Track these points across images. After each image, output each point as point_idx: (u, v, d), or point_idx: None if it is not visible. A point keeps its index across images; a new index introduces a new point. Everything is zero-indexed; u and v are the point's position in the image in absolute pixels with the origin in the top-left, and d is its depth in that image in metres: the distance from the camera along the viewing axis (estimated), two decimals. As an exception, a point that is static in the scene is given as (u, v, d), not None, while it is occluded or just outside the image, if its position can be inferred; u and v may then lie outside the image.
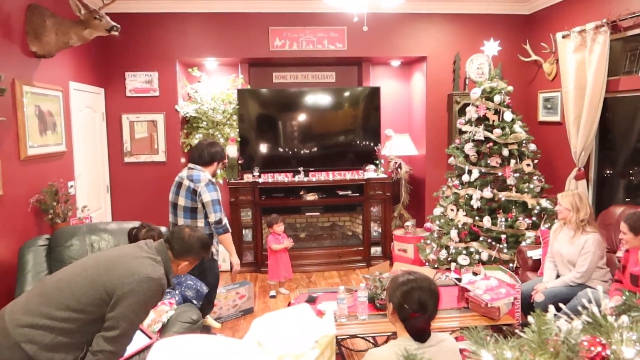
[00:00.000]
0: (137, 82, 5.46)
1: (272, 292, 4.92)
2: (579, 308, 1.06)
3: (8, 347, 1.97)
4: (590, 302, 1.24)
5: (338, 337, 3.32)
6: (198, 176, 3.60)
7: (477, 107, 4.74)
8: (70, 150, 4.46)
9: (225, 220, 3.57)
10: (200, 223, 3.59)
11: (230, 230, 3.64)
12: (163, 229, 3.50)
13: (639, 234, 2.98)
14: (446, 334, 2.07)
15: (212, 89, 5.73)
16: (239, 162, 5.73)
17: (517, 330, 1.00)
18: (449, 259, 4.73)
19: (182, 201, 3.59)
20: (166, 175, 5.52)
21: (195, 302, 3.39)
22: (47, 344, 1.98)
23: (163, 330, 2.98)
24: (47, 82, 4.02)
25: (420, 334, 1.89)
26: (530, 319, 0.99)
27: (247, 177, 5.65)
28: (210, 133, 5.58)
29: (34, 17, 3.68)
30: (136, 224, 3.38)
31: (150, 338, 2.87)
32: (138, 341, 2.82)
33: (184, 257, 2.34)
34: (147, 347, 2.80)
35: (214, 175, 3.76)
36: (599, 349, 0.98)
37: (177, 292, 3.37)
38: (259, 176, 5.66)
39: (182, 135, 5.66)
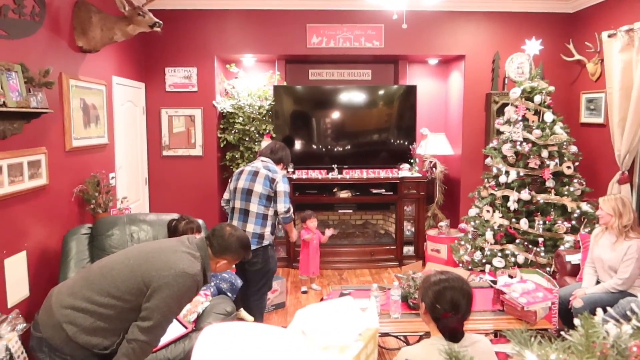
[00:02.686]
0: (177, 77, 5.57)
1: (304, 288, 4.96)
2: (628, 313, 1.03)
3: (51, 325, 2.06)
4: (633, 312, 1.20)
5: (370, 335, 3.31)
6: (274, 167, 3.80)
7: (516, 107, 4.65)
8: (111, 143, 4.59)
9: (291, 211, 3.78)
10: (271, 212, 3.73)
11: (294, 218, 3.95)
12: (201, 221, 3.57)
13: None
14: (481, 335, 2.05)
15: (249, 85, 5.79)
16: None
17: (562, 333, 0.98)
18: (484, 260, 4.66)
19: (259, 188, 3.69)
20: (202, 169, 5.64)
21: (229, 294, 3.45)
22: (86, 327, 2.05)
23: (198, 321, 3.05)
24: (91, 76, 4.14)
25: (454, 334, 1.88)
26: (576, 321, 0.97)
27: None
28: (246, 129, 5.64)
29: (81, 12, 3.80)
30: (175, 215, 3.46)
31: (185, 328, 2.93)
32: (174, 330, 2.90)
33: (223, 255, 2.35)
34: (183, 337, 2.87)
35: None
36: (649, 355, 0.95)
37: (212, 284, 3.43)
38: (293, 172, 5.69)
39: (218, 131, 5.74)
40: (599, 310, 1.02)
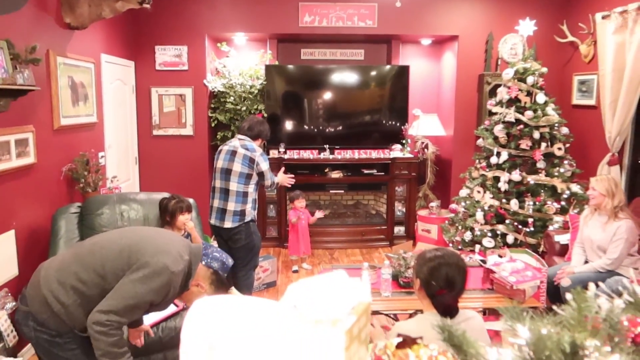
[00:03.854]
0: (167, 55, 5.49)
1: (295, 267, 4.98)
2: (620, 288, 1.04)
3: (38, 300, 2.03)
4: (624, 288, 1.21)
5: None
6: (252, 146, 3.78)
7: (509, 88, 4.64)
8: (101, 122, 4.53)
9: (275, 180, 3.91)
10: (251, 188, 3.78)
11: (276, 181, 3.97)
12: (191, 200, 3.55)
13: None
14: (473, 311, 2.06)
15: (240, 64, 5.72)
16: (265, 138, 5.74)
17: (554, 308, 0.99)
18: (474, 240, 4.69)
19: (237, 167, 3.72)
20: (193, 148, 5.59)
21: (220, 273, 3.44)
22: (69, 304, 2.01)
23: (189, 300, 3.05)
24: (79, 54, 4.07)
25: (448, 311, 1.89)
26: (568, 296, 0.98)
27: (273, 153, 5.67)
28: (237, 108, 5.59)
29: (68, -13, 3.71)
30: (166, 195, 3.43)
31: (176, 306, 2.94)
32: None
33: (211, 286, 2.29)
34: (174, 315, 2.87)
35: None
36: None
37: (203, 263, 3.42)
38: (285, 152, 5.67)
39: (209, 110, 5.68)
40: (591, 285, 1.03)
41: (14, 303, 2.85)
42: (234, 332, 0.74)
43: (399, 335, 0.88)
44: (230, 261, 3.57)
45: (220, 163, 3.79)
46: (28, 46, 3.12)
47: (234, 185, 3.72)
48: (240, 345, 0.73)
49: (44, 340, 2.08)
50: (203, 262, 3.43)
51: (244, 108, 5.62)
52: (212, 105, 5.73)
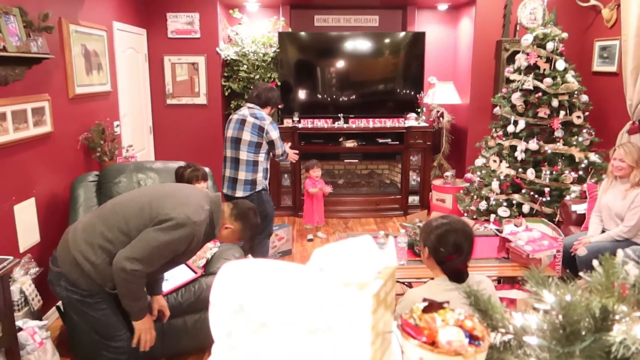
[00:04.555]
0: (179, 23, 5.43)
1: (310, 236, 5.01)
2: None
3: (68, 261, 2.12)
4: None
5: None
6: (261, 114, 3.75)
7: (527, 54, 4.53)
8: (115, 91, 4.52)
9: (285, 149, 3.91)
10: (261, 157, 3.78)
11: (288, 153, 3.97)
12: (207, 169, 3.56)
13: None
14: (483, 275, 2.07)
15: (253, 31, 5.64)
16: (279, 106, 5.70)
17: (581, 274, 0.98)
18: (489, 210, 4.67)
19: (247, 136, 3.71)
20: (207, 117, 5.58)
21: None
22: (98, 264, 2.09)
23: (207, 266, 3.09)
24: (91, 22, 4.03)
25: (459, 275, 1.90)
26: (595, 263, 0.97)
27: (287, 122, 5.64)
28: (250, 77, 5.54)
29: (79, -48, 3.65)
30: (181, 163, 3.45)
31: (195, 273, 2.98)
32: (183, 275, 2.95)
33: (238, 221, 2.26)
34: (192, 281, 2.92)
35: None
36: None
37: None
38: (299, 121, 5.64)
39: (222, 79, 5.64)
40: (619, 251, 1.02)
41: (37, 268, 2.91)
42: (263, 294, 0.74)
43: (424, 299, 0.88)
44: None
45: (230, 132, 3.78)
46: (40, 13, 3.10)
47: (244, 155, 3.72)
48: (270, 306, 0.74)
49: (76, 300, 2.16)
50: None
51: (257, 76, 5.57)
52: (225, 74, 5.69)
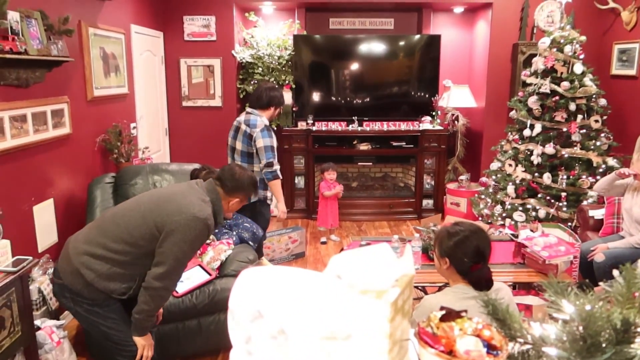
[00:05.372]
0: (195, 26, 5.48)
1: (323, 239, 5.01)
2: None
3: (70, 272, 2.12)
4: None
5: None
6: (255, 121, 3.61)
7: (545, 58, 4.48)
8: (132, 93, 4.57)
9: (276, 167, 3.57)
10: (257, 168, 3.64)
11: (280, 177, 3.63)
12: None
13: None
14: (501, 282, 2.03)
15: (268, 34, 5.67)
16: (293, 109, 5.73)
17: (601, 284, 0.97)
18: (504, 215, 4.63)
19: (239, 145, 3.66)
20: (222, 120, 5.61)
21: (251, 243, 3.50)
22: (103, 272, 2.11)
23: (221, 268, 3.11)
24: (110, 25, 4.09)
25: (487, 284, 1.84)
26: (615, 273, 0.96)
27: (301, 125, 5.65)
28: (265, 79, 5.57)
29: (98, -43, 3.71)
30: (196, 165, 3.47)
31: (209, 275, 3.00)
32: (198, 277, 2.97)
33: (235, 194, 2.37)
34: (207, 283, 2.94)
35: (271, 120, 3.75)
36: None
37: (234, 232, 3.48)
38: (313, 124, 5.65)
39: (237, 81, 5.68)
40: (597, 257, 1.00)
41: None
42: (281, 300, 0.75)
43: (442, 308, 0.88)
44: (260, 232, 3.64)
45: (229, 140, 3.74)
46: (60, 17, 3.15)
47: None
48: (288, 313, 0.74)
49: (83, 310, 2.16)
50: (234, 232, 3.51)
51: (272, 79, 5.59)
52: (240, 77, 5.72)
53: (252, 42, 5.65)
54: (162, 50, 5.47)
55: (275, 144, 3.60)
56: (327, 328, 0.72)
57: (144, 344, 2.20)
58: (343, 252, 0.91)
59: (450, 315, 0.85)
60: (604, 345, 0.75)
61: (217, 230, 3.49)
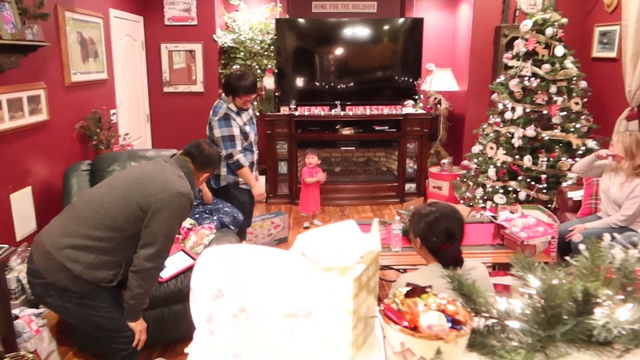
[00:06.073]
0: (176, 10, 5.39)
1: (306, 224, 5.02)
2: (635, 240, 1.03)
3: (55, 268, 2.06)
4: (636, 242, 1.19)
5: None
6: (219, 108, 3.52)
7: (526, 40, 4.49)
8: (111, 79, 4.50)
9: (237, 157, 3.49)
10: (223, 152, 3.49)
11: (244, 165, 3.55)
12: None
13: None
14: (477, 261, 2.05)
15: (250, 18, 5.60)
16: (276, 94, 5.69)
17: (567, 259, 0.98)
18: (485, 197, 4.68)
19: (206, 131, 3.63)
20: (204, 106, 5.52)
21: (232, 227, 3.50)
22: (89, 262, 2.07)
23: (203, 254, 3.10)
24: (88, 9, 4.00)
25: (454, 263, 1.88)
26: (581, 247, 0.97)
27: (284, 110, 5.62)
28: (247, 64, 5.52)
29: (72, -62, 3.61)
30: (175, 151, 3.44)
31: (193, 259, 2.99)
32: (182, 262, 2.96)
33: (206, 169, 2.46)
34: (191, 268, 2.93)
35: (244, 107, 3.57)
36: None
37: (215, 217, 3.47)
38: (295, 109, 5.62)
39: (219, 66, 5.61)
40: (606, 236, 1.02)
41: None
42: (242, 279, 0.74)
43: (408, 284, 0.88)
44: (240, 216, 3.64)
45: None
46: (36, 0, 3.08)
47: None
48: (249, 291, 0.74)
49: (73, 304, 2.12)
50: (215, 217, 3.50)
51: (254, 64, 5.54)
52: (223, 61, 5.66)
53: (233, 26, 5.58)
54: (142, 35, 5.38)
55: (235, 133, 3.48)
56: (289, 305, 0.72)
57: (140, 329, 2.21)
58: (310, 230, 0.91)
59: (415, 291, 0.86)
60: (565, 317, 0.76)
61: (197, 215, 3.48)
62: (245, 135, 3.58)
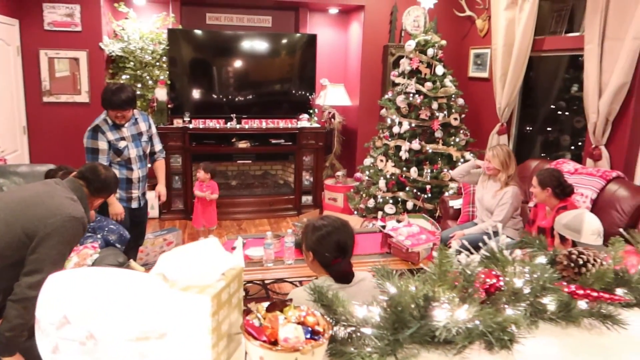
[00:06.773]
0: (57, 14, 5.05)
1: (201, 239, 4.89)
2: (480, 244, 1.13)
3: None
4: (490, 237, 1.32)
5: (265, 281, 3.39)
6: (97, 119, 3.43)
7: (410, 59, 4.80)
8: (-21, 86, 4.10)
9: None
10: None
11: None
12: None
13: (545, 189, 3.18)
14: (365, 272, 2.11)
15: (141, 27, 5.40)
16: (169, 106, 5.52)
17: (422, 266, 1.06)
18: (377, 207, 4.89)
19: None
20: (89, 117, 5.17)
21: (118, 245, 3.33)
22: None
23: (84, 275, 2.91)
24: (-52, 8, 3.62)
25: (346, 277, 1.91)
26: (434, 254, 1.05)
27: (177, 122, 5.46)
28: (138, 74, 5.30)
29: None
30: (52, 166, 3.21)
31: (93, 249, 2.80)
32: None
33: (101, 194, 2.35)
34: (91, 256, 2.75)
35: (116, 121, 3.42)
36: (494, 280, 1.06)
37: (99, 235, 3.28)
38: (190, 122, 5.49)
39: (107, 76, 5.34)
40: (454, 243, 1.11)
41: None
42: (90, 303, 0.71)
43: (271, 298, 0.90)
44: (127, 234, 3.47)
45: None
46: None
47: None
48: (96, 316, 0.71)
49: None
50: (99, 235, 3.31)
51: (145, 74, 5.34)
52: (111, 71, 5.39)
53: (122, 34, 5.34)
54: (17, 40, 4.96)
55: (100, 147, 3.35)
56: (139, 328, 0.70)
57: None
58: (173, 249, 0.89)
59: (275, 305, 0.87)
60: (409, 320, 0.82)
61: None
62: (117, 151, 3.42)
